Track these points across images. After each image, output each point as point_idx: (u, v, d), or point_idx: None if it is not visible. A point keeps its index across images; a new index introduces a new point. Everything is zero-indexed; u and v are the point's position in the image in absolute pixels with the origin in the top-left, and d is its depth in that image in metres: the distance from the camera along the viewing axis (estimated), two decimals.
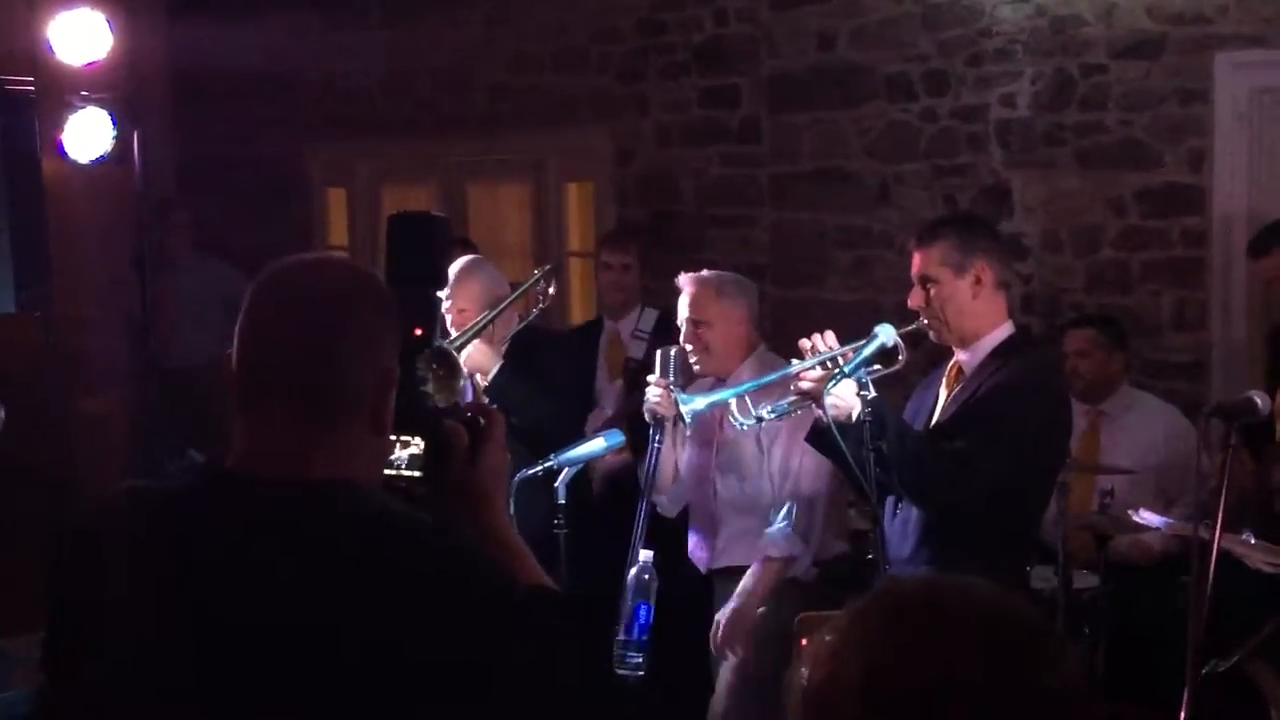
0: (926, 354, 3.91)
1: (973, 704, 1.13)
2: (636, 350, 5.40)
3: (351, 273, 1.77)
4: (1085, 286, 5.71)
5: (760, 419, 3.57)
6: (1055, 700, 1.16)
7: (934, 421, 3.58)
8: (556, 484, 3.72)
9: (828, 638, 1.20)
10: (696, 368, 4.14)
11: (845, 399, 3.38)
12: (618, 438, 3.81)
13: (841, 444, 3.33)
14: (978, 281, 3.50)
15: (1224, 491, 2.51)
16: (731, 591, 4.12)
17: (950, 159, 5.97)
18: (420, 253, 1.95)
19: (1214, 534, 2.49)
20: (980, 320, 3.53)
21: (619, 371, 5.39)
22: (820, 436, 3.55)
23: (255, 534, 1.61)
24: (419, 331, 1.87)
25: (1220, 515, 2.48)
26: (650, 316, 5.53)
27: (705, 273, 4.25)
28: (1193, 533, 2.50)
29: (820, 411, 3.37)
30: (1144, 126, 5.54)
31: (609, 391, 5.38)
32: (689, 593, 4.18)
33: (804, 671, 1.19)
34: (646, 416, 3.97)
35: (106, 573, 1.66)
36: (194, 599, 1.58)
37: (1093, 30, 5.61)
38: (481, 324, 4.19)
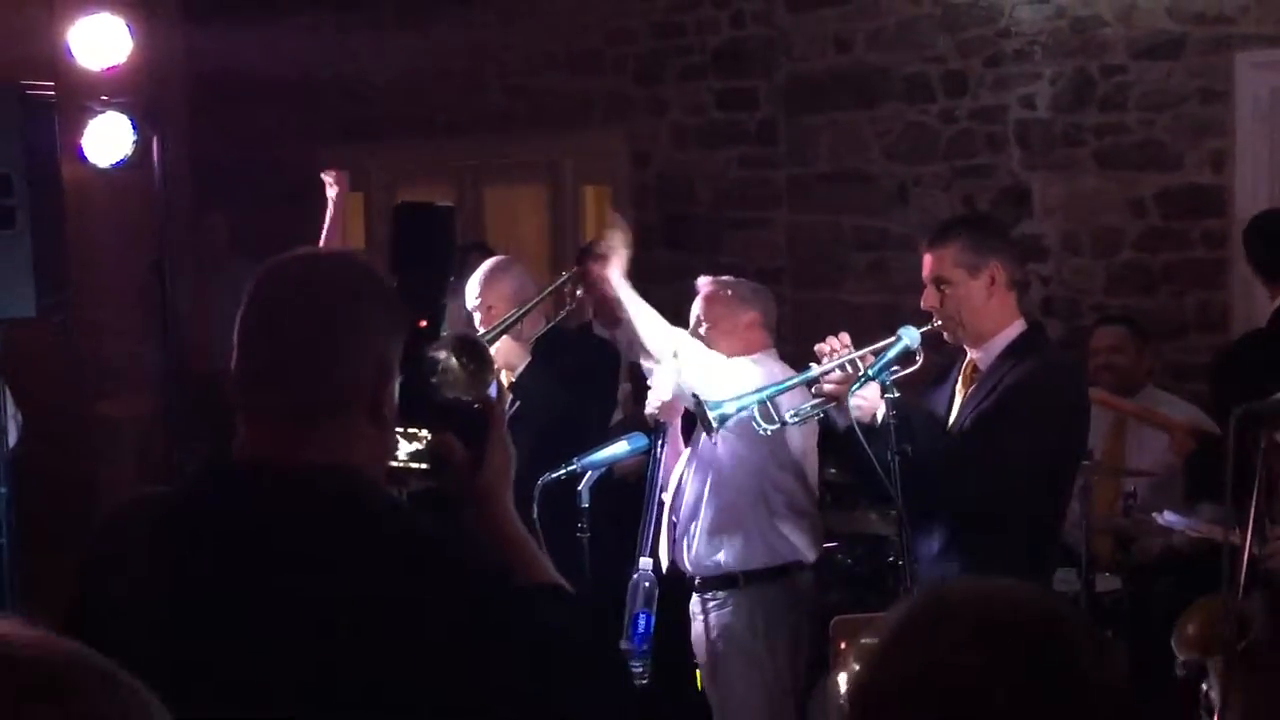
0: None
1: (1022, 704, 1.13)
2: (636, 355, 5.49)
3: (347, 264, 1.79)
4: (1105, 288, 5.69)
5: (784, 423, 3.56)
6: (1103, 700, 1.16)
7: (952, 419, 3.61)
8: (580, 488, 3.71)
9: (872, 640, 1.19)
10: None
11: (869, 400, 3.39)
12: (641, 440, 3.81)
13: (866, 446, 3.34)
14: (992, 281, 3.55)
15: (1255, 495, 2.50)
16: (703, 596, 4.08)
17: (969, 160, 5.96)
18: (426, 243, 1.92)
19: (1244, 538, 2.49)
20: (994, 319, 3.57)
21: (624, 376, 5.43)
22: (828, 442, 3.56)
23: (251, 523, 1.63)
24: (423, 323, 1.85)
25: (1251, 519, 2.48)
26: None
27: (725, 278, 4.24)
28: (1224, 537, 2.49)
29: (845, 414, 3.40)
30: (1164, 127, 5.52)
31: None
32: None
33: (846, 674, 1.19)
34: (649, 421, 3.95)
35: (124, 578, 1.67)
36: (198, 593, 1.60)
37: (1112, 31, 5.59)
38: (509, 321, 4.22)
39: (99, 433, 6.65)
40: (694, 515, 4.09)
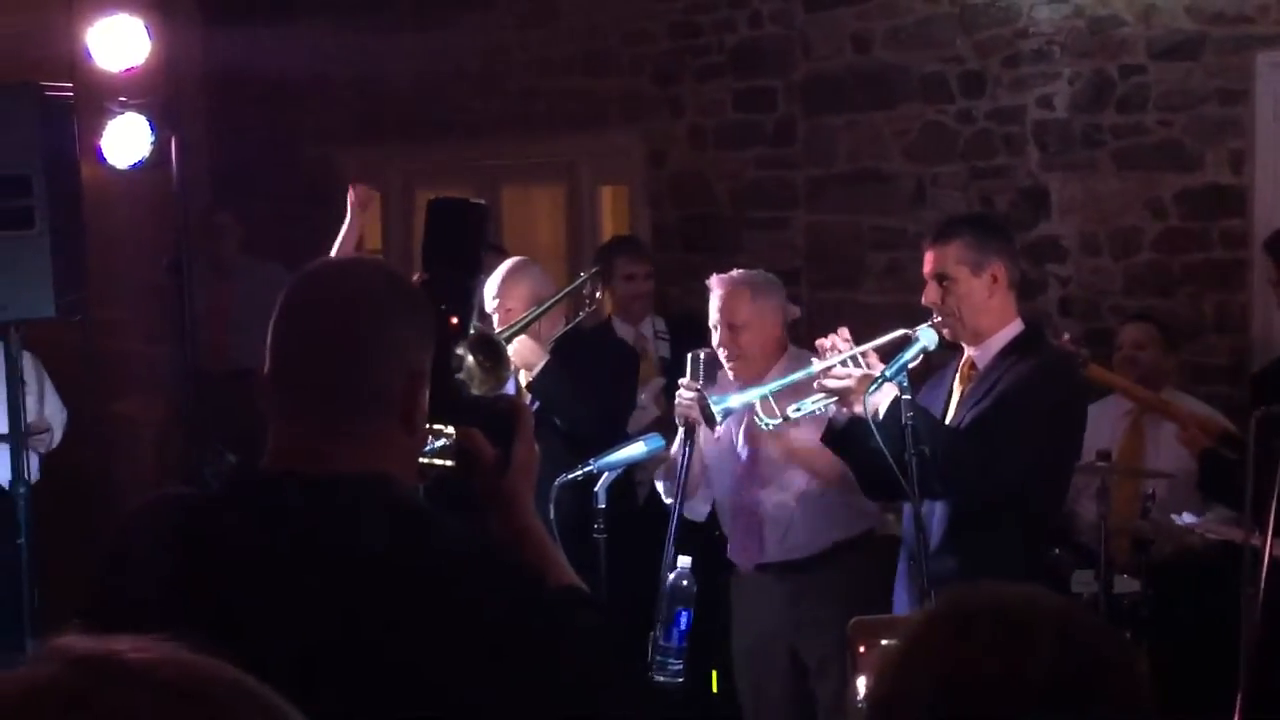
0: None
1: (1044, 709, 1.12)
2: (664, 351, 5.55)
3: (380, 273, 1.79)
4: (1124, 289, 5.66)
5: (786, 418, 3.58)
6: (1130, 701, 1.15)
7: (949, 416, 3.64)
8: (596, 488, 3.71)
9: (892, 646, 1.19)
10: (731, 374, 4.14)
11: (875, 399, 3.41)
12: (658, 442, 3.80)
13: (880, 442, 3.34)
14: (993, 280, 3.59)
15: (1276, 497, 2.48)
16: (785, 586, 4.19)
17: (987, 160, 5.94)
18: (457, 240, 1.92)
19: (1265, 541, 2.47)
20: (994, 318, 3.61)
21: (650, 373, 5.47)
22: (839, 437, 3.58)
23: (284, 530, 1.63)
24: (454, 320, 1.85)
25: (1271, 521, 2.47)
26: (659, 321, 5.70)
27: (736, 273, 4.24)
28: (1244, 539, 2.47)
29: (845, 410, 3.42)
30: (1183, 127, 5.49)
31: (648, 391, 5.43)
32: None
33: (867, 680, 1.19)
34: (677, 420, 3.95)
35: (148, 581, 1.67)
36: (227, 600, 1.60)
37: (1131, 30, 5.57)
38: (527, 320, 4.23)
39: (117, 432, 6.67)
40: (752, 508, 4.20)
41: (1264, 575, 2.46)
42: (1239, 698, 2.67)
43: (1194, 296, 5.53)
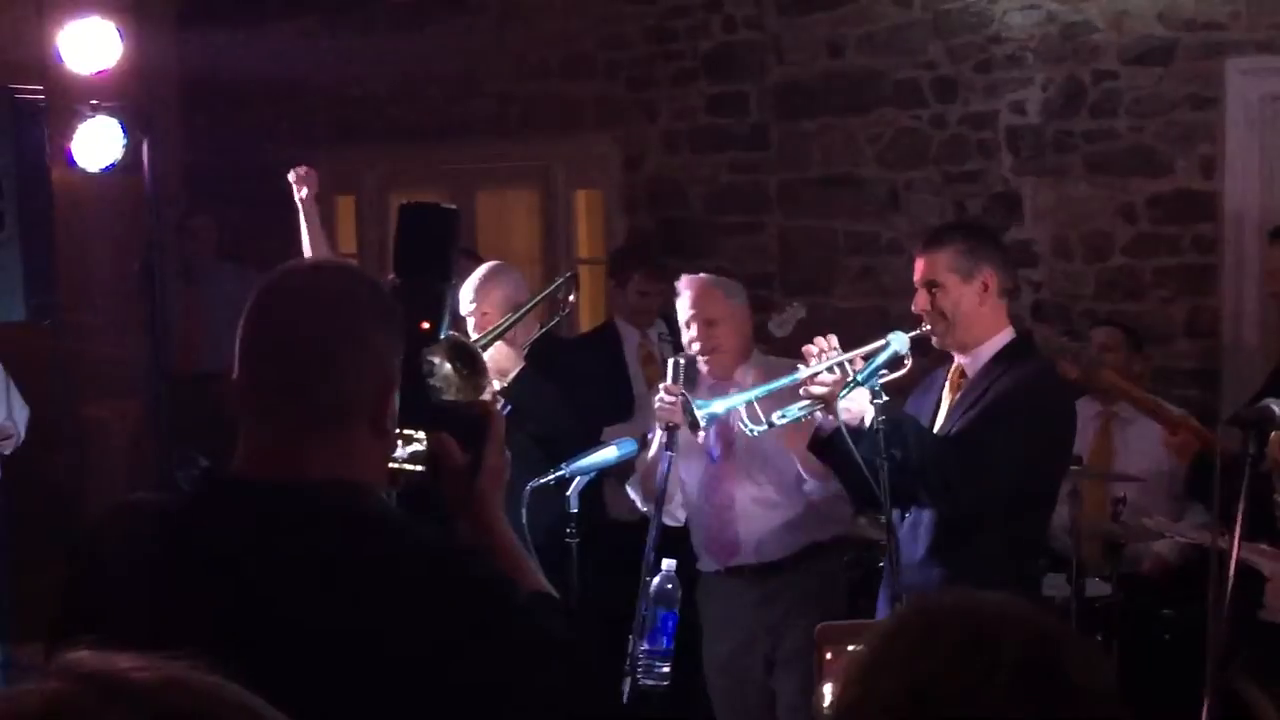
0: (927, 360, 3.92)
1: (1013, 714, 1.12)
2: (669, 353, 5.60)
3: (350, 277, 1.79)
4: (1096, 293, 5.69)
5: (771, 424, 3.57)
6: (1094, 711, 1.15)
7: (939, 425, 3.62)
8: (569, 493, 3.71)
9: (860, 653, 1.19)
10: (704, 368, 4.15)
11: (857, 405, 3.40)
12: (630, 445, 3.81)
13: (854, 450, 3.34)
14: (984, 288, 3.56)
15: (1243, 500, 2.51)
16: (757, 589, 4.20)
17: (960, 166, 5.96)
18: (429, 245, 1.91)
19: (1232, 543, 2.49)
20: (984, 326, 3.58)
21: (658, 376, 5.50)
22: (824, 444, 3.57)
23: (253, 537, 1.62)
24: (425, 326, 1.84)
25: (1239, 525, 2.49)
26: (661, 324, 5.68)
27: (704, 275, 4.29)
28: (1211, 542, 2.49)
29: (832, 417, 3.40)
30: (1155, 133, 5.52)
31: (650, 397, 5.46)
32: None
33: (833, 687, 1.19)
34: (658, 424, 3.96)
35: (116, 590, 1.66)
36: (195, 607, 1.59)
37: (1103, 36, 5.60)
38: (503, 327, 4.23)
39: (88, 435, 6.64)
40: (729, 509, 4.20)
41: (1231, 578, 2.48)
42: (1205, 700, 2.69)
43: (1165, 301, 5.57)
